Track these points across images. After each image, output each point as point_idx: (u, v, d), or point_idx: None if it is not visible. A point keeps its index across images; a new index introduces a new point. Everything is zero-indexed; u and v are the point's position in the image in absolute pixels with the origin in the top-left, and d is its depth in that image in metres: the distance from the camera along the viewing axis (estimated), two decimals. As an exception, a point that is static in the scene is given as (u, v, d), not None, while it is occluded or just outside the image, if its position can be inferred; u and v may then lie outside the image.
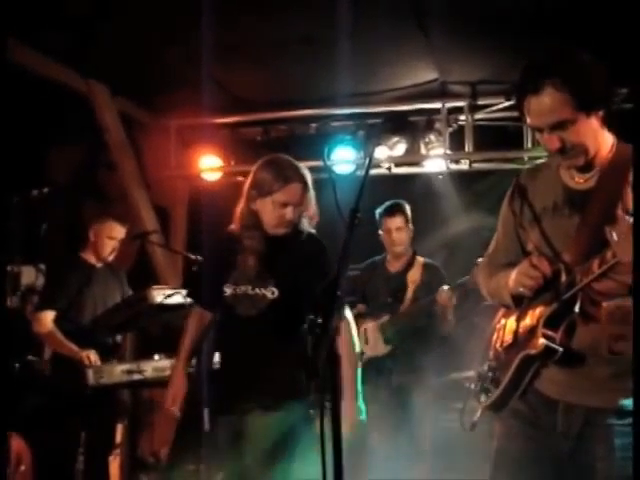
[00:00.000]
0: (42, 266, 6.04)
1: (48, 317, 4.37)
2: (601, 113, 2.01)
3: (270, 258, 2.88)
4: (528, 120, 2.03)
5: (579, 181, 2.09)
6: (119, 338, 4.75)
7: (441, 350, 4.48)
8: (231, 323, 2.95)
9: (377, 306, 4.57)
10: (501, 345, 2.18)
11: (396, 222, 4.52)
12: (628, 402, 1.92)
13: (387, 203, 4.61)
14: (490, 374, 2.19)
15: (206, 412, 3.71)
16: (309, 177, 2.92)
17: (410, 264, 4.58)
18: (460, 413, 2.30)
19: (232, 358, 2.95)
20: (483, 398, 2.19)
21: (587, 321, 1.97)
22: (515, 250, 2.26)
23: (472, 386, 2.27)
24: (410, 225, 4.59)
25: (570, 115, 1.95)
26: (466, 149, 5.70)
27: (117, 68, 5.15)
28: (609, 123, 2.09)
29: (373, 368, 4.30)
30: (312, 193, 2.95)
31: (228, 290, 2.91)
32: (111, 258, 4.68)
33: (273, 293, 2.85)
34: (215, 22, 4.35)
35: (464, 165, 5.82)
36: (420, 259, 4.61)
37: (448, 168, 5.83)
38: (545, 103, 1.95)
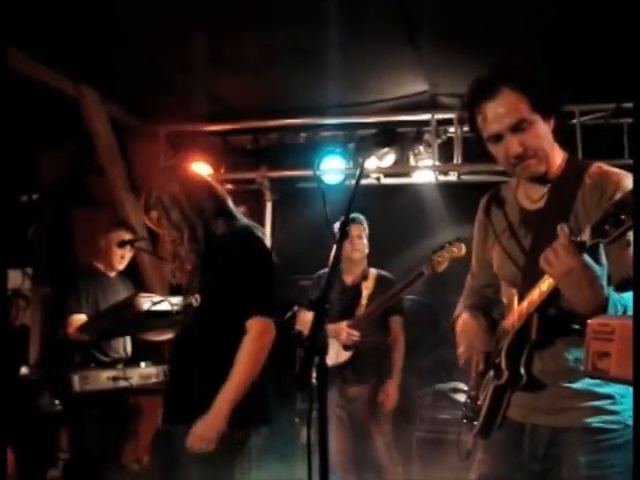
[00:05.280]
0: (29, 270, 6.01)
1: (81, 320, 4.35)
2: (553, 122, 2.02)
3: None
4: (486, 129, 2.02)
5: (532, 200, 2.10)
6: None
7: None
8: None
9: (332, 317, 4.57)
10: (476, 373, 2.21)
11: (358, 229, 4.65)
12: (591, 419, 1.93)
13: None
14: (472, 404, 2.21)
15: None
16: None
17: (364, 276, 4.72)
18: (456, 443, 2.33)
19: None
20: (471, 427, 2.20)
21: (546, 345, 1.98)
22: (486, 273, 2.28)
23: (461, 416, 2.28)
24: (366, 239, 4.72)
25: (527, 114, 1.97)
26: (455, 161, 5.72)
27: (107, 73, 5.14)
28: (566, 138, 2.11)
29: (336, 376, 4.46)
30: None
31: None
32: (122, 267, 4.67)
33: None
34: (206, 30, 4.37)
35: (453, 177, 5.85)
36: (373, 271, 4.75)
37: (437, 179, 5.87)
38: (502, 104, 1.97)
